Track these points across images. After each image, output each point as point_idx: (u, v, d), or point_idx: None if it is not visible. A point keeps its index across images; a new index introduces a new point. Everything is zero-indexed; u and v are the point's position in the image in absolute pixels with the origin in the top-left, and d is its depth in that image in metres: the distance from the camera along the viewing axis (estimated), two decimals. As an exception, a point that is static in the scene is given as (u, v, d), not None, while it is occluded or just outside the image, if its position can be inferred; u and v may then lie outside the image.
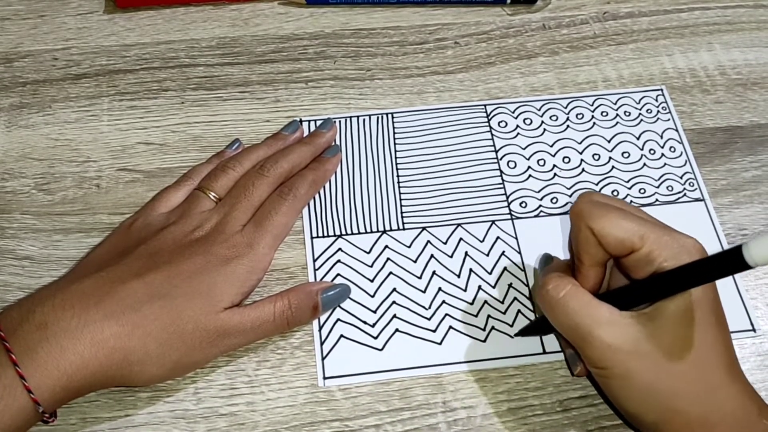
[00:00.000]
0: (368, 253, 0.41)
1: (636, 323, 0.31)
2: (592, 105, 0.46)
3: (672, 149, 0.45)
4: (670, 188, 0.43)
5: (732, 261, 0.26)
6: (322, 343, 0.38)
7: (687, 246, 0.31)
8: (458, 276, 0.40)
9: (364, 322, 0.38)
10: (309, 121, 0.45)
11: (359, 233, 0.41)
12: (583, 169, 0.44)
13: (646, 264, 0.32)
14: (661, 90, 0.47)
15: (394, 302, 0.39)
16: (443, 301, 0.39)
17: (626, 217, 0.32)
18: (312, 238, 0.41)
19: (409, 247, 0.41)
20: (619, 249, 0.32)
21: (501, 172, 0.43)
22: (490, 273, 0.40)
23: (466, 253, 0.41)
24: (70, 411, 0.35)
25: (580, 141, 0.45)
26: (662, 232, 0.32)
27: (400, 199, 0.42)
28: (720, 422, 0.30)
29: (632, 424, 0.34)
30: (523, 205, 0.42)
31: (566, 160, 0.44)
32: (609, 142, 0.45)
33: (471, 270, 0.40)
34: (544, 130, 0.45)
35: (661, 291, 0.31)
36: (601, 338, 0.31)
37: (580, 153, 0.44)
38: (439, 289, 0.39)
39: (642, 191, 0.43)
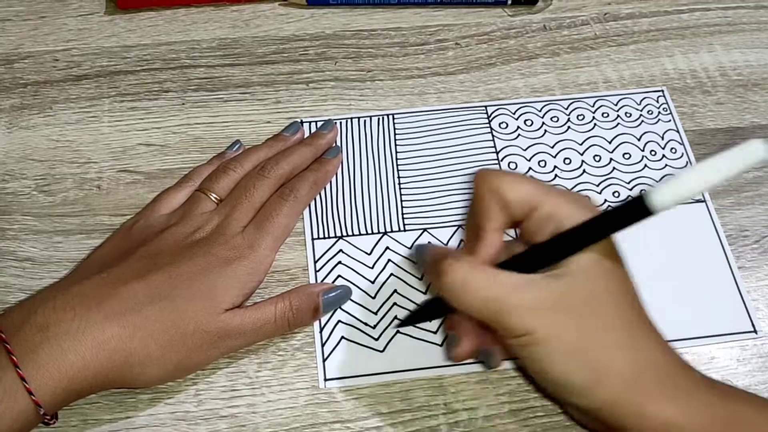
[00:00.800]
0: (369, 254, 0.40)
1: (549, 282, 0.30)
2: (592, 106, 0.46)
3: (673, 150, 0.45)
4: (671, 189, 0.43)
5: (635, 209, 0.27)
6: (323, 345, 0.38)
7: (584, 202, 0.32)
8: (459, 277, 0.40)
9: (365, 324, 0.38)
10: (310, 122, 0.45)
11: (360, 234, 0.41)
12: (584, 170, 0.44)
13: (547, 222, 0.31)
14: (662, 91, 0.47)
15: (395, 304, 0.39)
16: (444, 303, 0.39)
17: (525, 179, 0.33)
18: (313, 239, 0.41)
19: (410, 248, 0.41)
20: (519, 208, 0.32)
21: (502, 173, 0.43)
22: (491, 274, 0.40)
23: (467, 255, 0.41)
24: (70, 412, 0.35)
25: (581, 142, 0.45)
26: (559, 191, 0.32)
27: (401, 201, 0.42)
28: (648, 373, 0.30)
29: (560, 401, 0.33)
30: (524, 206, 0.42)
31: (567, 161, 0.44)
32: (610, 143, 0.45)
33: (472, 271, 0.40)
34: (545, 131, 0.45)
35: (567, 248, 0.30)
36: (518, 303, 0.30)
37: (581, 154, 0.44)
38: (440, 290, 0.39)
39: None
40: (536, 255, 0.32)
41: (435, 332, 0.38)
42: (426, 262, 0.33)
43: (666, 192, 0.25)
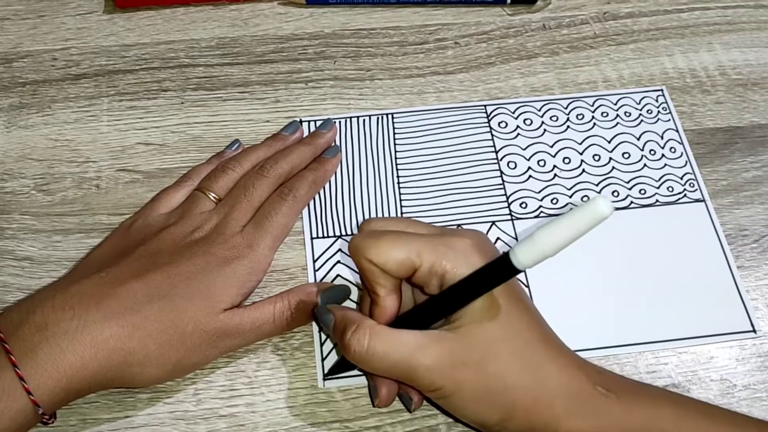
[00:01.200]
0: (368, 253, 0.40)
1: (444, 338, 0.31)
2: (592, 105, 0.46)
3: (672, 150, 0.45)
4: (670, 189, 0.43)
5: (503, 268, 0.28)
6: (321, 344, 0.38)
7: (463, 249, 0.32)
8: (458, 277, 0.40)
9: (364, 323, 0.38)
10: (309, 121, 0.45)
11: (359, 234, 0.41)
12: (583, 170, 0.44)
13: (432, 277, 0.32)
14: (662, 90, 0.47)
15: (394, 303, 0.39)
16: (443, 302, 0.39)
17: (398, 239, 0.32)
18: (312, 238, 0.41)
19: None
20: (402, 271, 0.32)
21: (501, 172, 0.43)
22: (491, 274, 0.40)
23: (467, 254, 0.40)
24: (69, 412, 0.35)
25: (580, 141, 0.45)
26: (437, 242, 0.32)
27: (401, 200, 0.42)
28: (555, 398, 0.31)
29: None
30: (524, 205, 0.42)
31: (566, 160, 0.44)
32: (609, 142, 0.45)
33: (471, 271, 0.40)
34: (545, 130, 0.45)
35: (451, 305, 0.31)
36: (420, 364, 0.31)
37: (581, 153, 0.44)
38: (439, 289, 0.39)
39: (642, 192, 0.43)
40: (429, 309, 0.32)
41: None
42: (330, 332, 0.34)
43: (526, 254, 0.27)
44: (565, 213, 0.26)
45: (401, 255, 0.32)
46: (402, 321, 0.33)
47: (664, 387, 0.37)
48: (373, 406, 0.36)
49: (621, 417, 0.31)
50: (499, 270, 0.29)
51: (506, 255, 0.28)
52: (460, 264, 0.31)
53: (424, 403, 0.36)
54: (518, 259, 0.27)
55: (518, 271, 0.28)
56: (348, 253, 0.38)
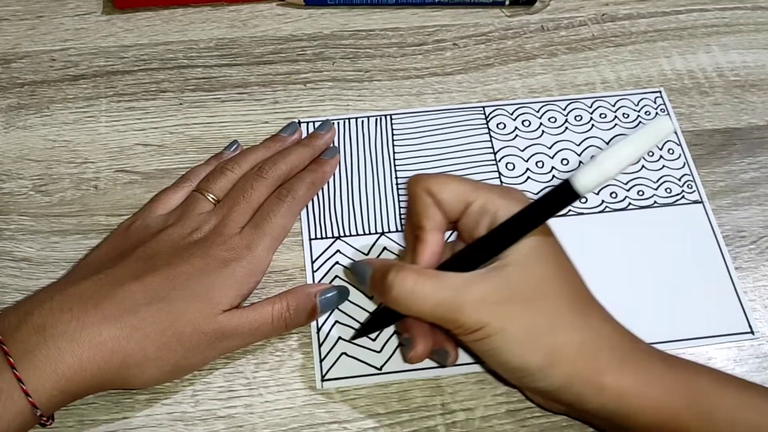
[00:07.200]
0: (367, 254, 0.40)
1: (492, 275, 0.31)
2: (590, 107, 0.46)
3: (670, 151, 0.45)
4: (668, 190, 0.43)
5: (563, 194, 0.28)
6: (320, 346, 0.38)
7: (515, 195, 0.33)
8: (457, 278, 0.40)
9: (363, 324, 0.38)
10: (307, 122, 0.45)
11: (358, 235, 0.41)
12: (581, 171, 0.44)
13: (482, 216, 0.32)
14: (660, 92, 0.47)
15: (392, 304, 0.39)
16: (442, 303, 0.39)
17: (456, 178, 0.34)
18: (310, 239, 0.41)
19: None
20: (455, 204, 0.33)
21: (499, 173, 0.44)
22: (489, 275, 0.40)
23: (465, 255, 0.41)
24: (67, 413, 0.35)
25: (578, 143, 0.45)
26: (490, 186, 0.34)
27: (399, 201, 0.42)
28: (600, 346, 0.31)
29: (520, 388, 0.34)
30: (522, 206, 0.42)
31: (565, 161, 0.44)
32: (607, 143, 0.45)
33: (469, 272, 0.40)
34: (543, 131, 0.45)
35: (504, 240, 0.31)
36: (466, 301, 0.30)
37: (579, 155, 0.44)
38: (438, 291, 0.39)
39: (640, 193, 0.43)
40: (476, 250, 0.32)
41: (432, 333, 0.38)
42: (368, 278, 0.34)
43: (589, 175, 0.27)
44: (628, 135, 0.26)
45: (459, 188, 0.33)
46: (445, 267, 0.33)
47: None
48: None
49: (664, 374, 0.30)
50: (559, 196, 0.29)
51: (567, 180, 0.27)
52: (512, 204, 0.32)
53: (422, 401, 0.36)
54: (580, 182, 0.27)
55: (579, 196, 0.28)
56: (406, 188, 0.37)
